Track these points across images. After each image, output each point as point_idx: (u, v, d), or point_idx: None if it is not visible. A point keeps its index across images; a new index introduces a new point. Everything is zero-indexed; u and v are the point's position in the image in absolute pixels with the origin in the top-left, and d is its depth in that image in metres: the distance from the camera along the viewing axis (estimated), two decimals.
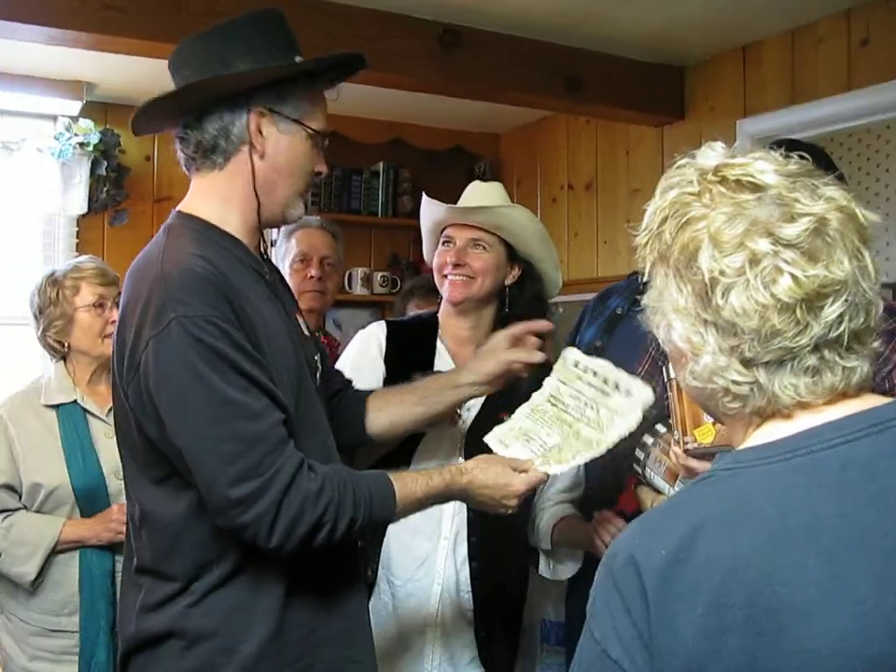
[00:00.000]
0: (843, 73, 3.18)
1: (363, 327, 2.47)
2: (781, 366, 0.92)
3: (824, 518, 0.85)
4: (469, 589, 2.25)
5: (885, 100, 3.05)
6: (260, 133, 1.59)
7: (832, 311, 0.90)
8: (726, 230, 0.92)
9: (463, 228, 2.29)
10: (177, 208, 1.67)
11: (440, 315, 2.39)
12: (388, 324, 2.39)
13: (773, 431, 0.94)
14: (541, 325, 1.96)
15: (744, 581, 0.83)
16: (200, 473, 1.46)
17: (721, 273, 0.92)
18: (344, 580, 1.68)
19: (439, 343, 2.35)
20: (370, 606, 1.86)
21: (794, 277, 0.89)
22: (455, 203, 2.35)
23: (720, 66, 3.66)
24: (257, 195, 1.62)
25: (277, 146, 1.61)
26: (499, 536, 2.24)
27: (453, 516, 2.22)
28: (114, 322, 2.59)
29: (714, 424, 1.77)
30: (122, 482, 2.48)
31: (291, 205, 1.68)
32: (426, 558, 2.22)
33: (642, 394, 1.83)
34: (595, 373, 1.89)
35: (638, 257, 1.05)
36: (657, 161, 3.94)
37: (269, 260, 1.75)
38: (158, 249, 1.57)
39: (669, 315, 0.98)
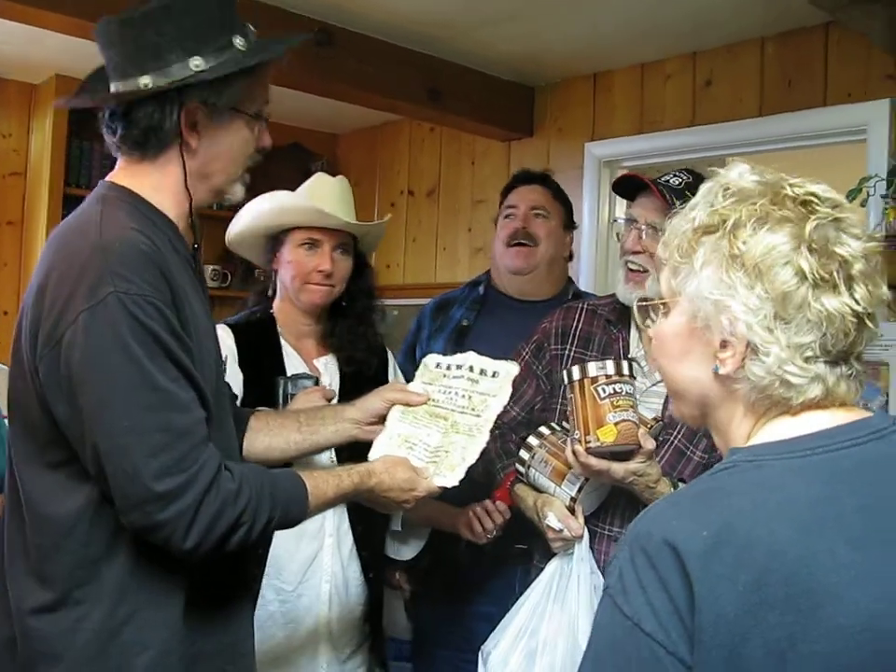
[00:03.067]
0: (688, 108, 3.45)
1: None
2: (835, 366, 1.03)
3: (847, 510, 0.96)
4: (360, 581, 2.29)
5: (725, 138, 3.34)
6: (194, 128, 1.52)
7: (873, 326, 1.04)
8: (816, 237, 1.01)
9: (333, 233, 2.31)
10: (108, 179, 1.57)
11: (276, 311, 2.39)
12: (231, 327, 2.33)
13: (782, 428, 1.04)
14: (419, 400, 1.95)
15: (783, 563, 0.91)
16: (118, 463, 1.36)
17: (817, 275, 1.00)
18: (233, 590, 1.63)
19: (282, 341, 2.36)
20: (257, 623, 1.85)
21: (868, 289, 1.02)
22: None
23: (570, 90, 3.86)
24: (188, 189, 1.56)
25: (213, 138, 1.54)
26: (379, 522, 2.33)
27: (333, 512, 2.24)
28: None
29: (616, 424, 1.88)
30: None
31: (229, 191, 1.62)
32: (314, 558, 2.24)
33: (509, 370, 1.91)
34: (459, 367, 1.96)
35: (678, 251, 1.10)
36: (503, 173, 4.08)
37: (198, 249, 1.67)
38: (93, 218, 1.46)
39: (735, 310, 1.03)
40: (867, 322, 1.03)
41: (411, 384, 1.98)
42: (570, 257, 3.01)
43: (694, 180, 2.13)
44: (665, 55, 3.49)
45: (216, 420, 1.54)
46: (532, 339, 2.34)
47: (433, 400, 1.92)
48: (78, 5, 2.73)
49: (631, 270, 2.14)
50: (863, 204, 2.57)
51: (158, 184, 1.54)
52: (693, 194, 2.09)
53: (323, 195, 2.31)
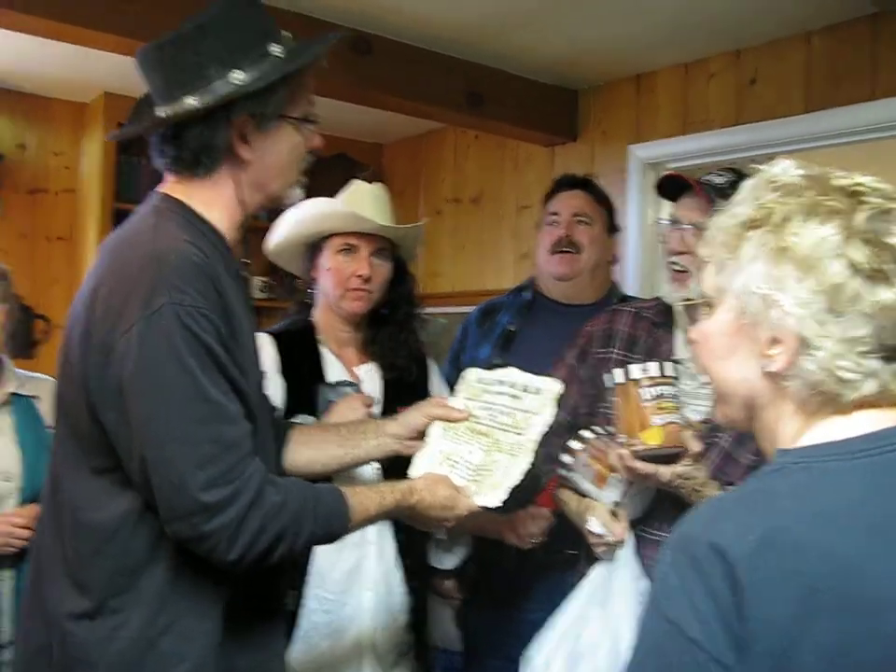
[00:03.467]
0: (732, 107, 3.38)
1: None
2: (891, 362, 1.00)
3: None
4: (403, 590, 2.28)
5: (770, 136, 3.26)
6: (245, 140, 1.53)
7: None
8: (870, 228, 0.99)
9: (371, 238, 2.30)
10: (160, 190, 1.59)
11: (317, 319, 2.38)
12: (272, 335, 2.33)
13: (832, 428, 1.01)
14: (461, 416, 1.92)
15: (834, 569, 0.89)
16: (165, 473, 1.37)
17: (876, 269, 0.98)
18: (269, 606, 1.63)
19: (323, 349, 2.35)
20: (301, 632, 1.83)
21: None
22: None
23: (614, 92, 3.81)
24: (240, 203, 1.57)
25: (264, 148, 1.54)
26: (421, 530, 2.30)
27: None
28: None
29: (662, 427, 1.85)
30: (9, 483, 2.38)
31: (286, 196, 1.65)
32: (357, 567, 2.22)
33: (552, 387, 1.87)
34: (500, 382, 1.92)
35: (723, 247, 1.09)
36: (547, 179, 4.04)
37: (246, 263, 1.68)
38: (148, 229, 1.48)
39: (785, 304, 1.01)
40: None
41: (452, 399, 1.95)
42: (614, 260, 3.00)
43: (738, 178, 2.09)
44: (708, 54, 3.43)
45: (259, 433, 1.54)
46: (576, 343, 2.32)
47: (475, 417, 1.89)
48: (125, 23, 2.77)
49: (675, 271, 2.11)
50: None
51: (210, 199, 1.56)
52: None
53: (359, 201, 2.31)
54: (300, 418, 2.17)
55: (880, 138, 3.08)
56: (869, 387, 0.99)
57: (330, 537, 1.55)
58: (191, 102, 1.49)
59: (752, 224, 1.04)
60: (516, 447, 1.81)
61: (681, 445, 1.86)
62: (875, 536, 0.91)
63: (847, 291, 0.98)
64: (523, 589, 2.61)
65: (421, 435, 1.91)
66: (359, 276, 2.27)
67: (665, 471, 1.88)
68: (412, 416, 1.93)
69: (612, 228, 2.93)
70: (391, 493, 1.66)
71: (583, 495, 2.08)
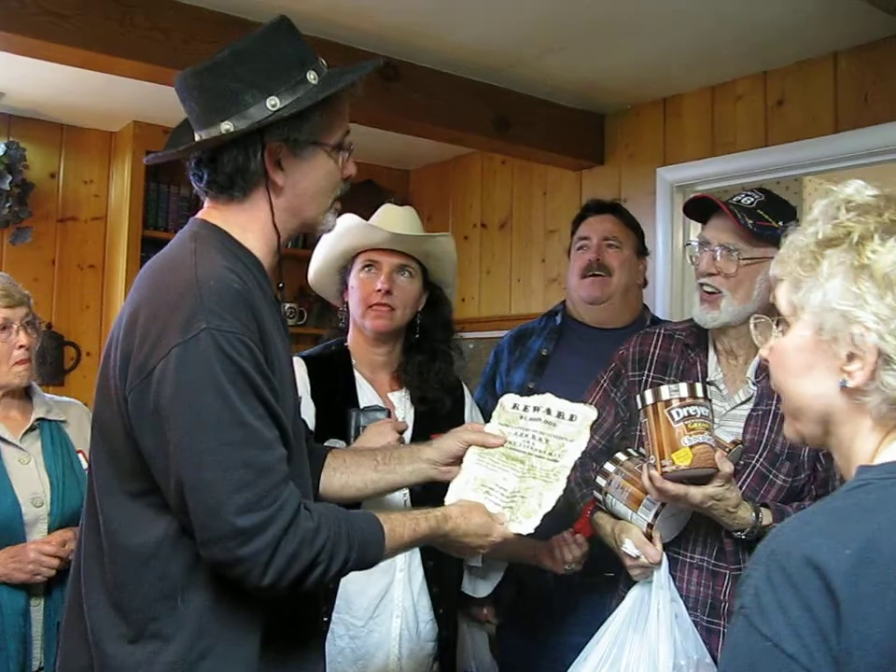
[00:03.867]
0: (760, 129, 3.37)
1: None
2: None
3: None
4: (431, 617, 2.26)
5: (798, 157, 3.25)
6: (279, 166, 1.55)
7: None
8: None
9: (392, 254, 2.31)
10: (198, 216, 1.61)
11: (350, 343, 2.39)
12: (305, 359, 2.34)
13: None
14: (496, 442, 1.92)
15: None
16: (201, 497, 1.38)
17: None
18: (306, 629, 1.63)
19: (356, 373, 2.35)
20: (328, 658, 1.82)
21: None
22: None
23: (640, 115, 3.82)
24: (276, 227, 1.59)
25: (298, 173, 1.56)
26: (451, 557, 2.28)
27: None
28: (22, 347, 2.47)
29: (692, 448, 1.84)
30: (39, 509, 2.39)
31: (321, 223, 1.65)
32: (385, 593, 2.21)
33: (587, 414, 1.89)
34: (536, 409, 1.93)
35: (799, 266, 1.11)
36: (575, 202, 4.05)
37: (282, 289, 1.71)
38: (187, 255, 1.49)
39: (864, 319, 1.03)
40: None
41: (488, 425, 1.96)
42: (645, 283, 3.01)
43: (767, 199, 2.09)
44: (734, 76, 3.43)
45: (294, 458, 1.55)
46: (610, 366, 2.32)
47: (510, 443, 1.90)
48: (152, 52, 2.82)
49: (706, 292, 2.10)
50: None
51: (246, 223, 1.58)
52: (766, 213, 2.04)
53: (384, 219, 2.33)
54: (330, 442, 2.18)
55: None
56: None
57: (365, 563, 1.54)
58: (227, 126, 1.52)
59: (830, 243, 1.08)
60: (551, 474, 1.82)
61: (712, 466, 1.85)
62: None
63: None
64: (559, 614, 2.60)
65: (457, 461, 1.91)
66: (378, 290, 2.27)
67: (695, 492, 1.87)
68: (448, 442, 1.93)
69: (642, 251, 2.96)
70: (425, 520, 1.66)
71: (618, 517, 2.07)
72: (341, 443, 2.21)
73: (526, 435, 1.89)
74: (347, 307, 2.38)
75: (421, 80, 3.37)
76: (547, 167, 4.15)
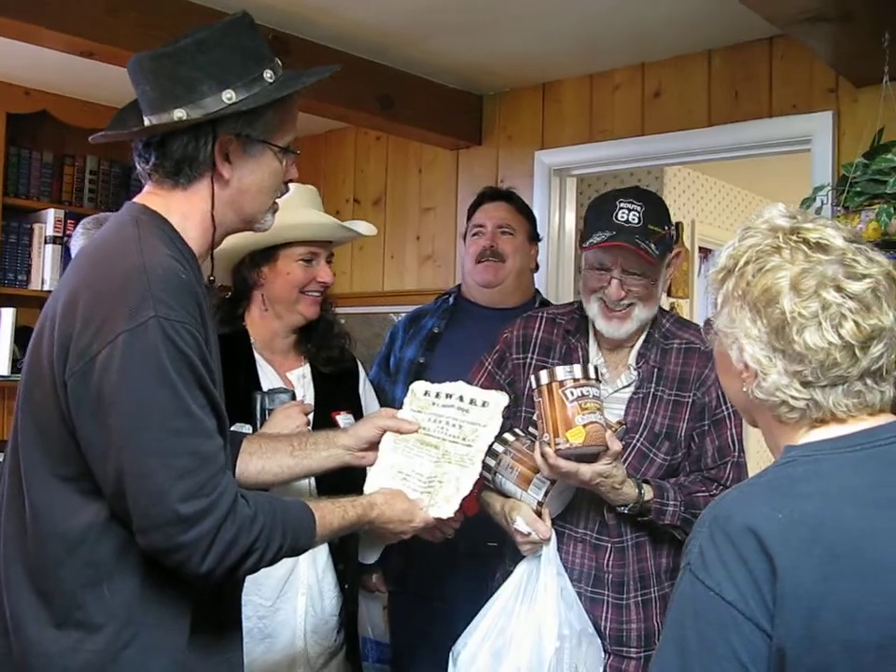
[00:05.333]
0: (637, 118, 3.52)
1: None
2: (834, 388, 1.17)
3: None
4: (336, 593, 2.30)
5: (673, 147, 3.43)
6: (227, 159, 1.56)
7: (877, 350, 1.17)
8: (804, 280, 1.17)
9: (326, 245, 2.33)
10: (138, 201, 1.59)
11: (251, 325, 2.36)
12: None
13: (831, 431, 1.19)
14: (410, 428, 1.97)
15: (849, 539, 1.07)
16: (144, 484, 1.37)
17: (800, 314, 1.16)
18: (228, 615, 1.64)
19: (256, 355, 2.34)
20: None
21: (857, 323, 1.15)
22: None
23: (519, 99, 3.91)
24: (213, 220, 1.59)
25: (244, 169, 1.57)
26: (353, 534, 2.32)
27: None
28: None
29: (585, 426, 1.92)
30: None
31: (260, 221, 1.67)
32: (290, 572, 2.23)
33: (499, 400, 1.96)
34: (448, 395, 1.98)
35: (711, 289, 1.28)
36: (451, 181, 4.12)
37: (213, 281, 1.70)
38: (131, 240, 1.48)
39: (741, 339, 1.22)
40: (862, 351, 1.15)
41: (400, 411, 1.99)
42: (536, 267, 3.14)
43: (646, 207, 2.13)
44: (613, 66, 3.56)
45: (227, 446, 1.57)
46: (494, 349, 2.37)
47: (424, 429, 1.94)
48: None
49: (614, 310, 2.15)
50: (818, 212, 2.66)
51: (187, 212, 1.58)
52: (653, 224, 2.15)
53: (307, 205, 2.32)
54: (237, 427, 2.16)
55: (776, 153, 3.27)
56: (816, 413, 1.18)
57: (297, 550, 1.58)
58: (180, 114, 1.52)
59: (726, 271, 1.25)
60: (466, 458, 1.88)
61: (603, 444, 1.94)
62: (881, 511, 1.09)
63: (785, 333, 1.17)
64: (446, 582, 2.68)
65: (372, 446, 1.95)
66: (321, 282, 2.30)
67: (585, 469, 1.95)
68: (362, 428, 1.97)
69: (534, 236, 3.08)
70: (353, 507, 1.71)
71: (507, 496, 2.13)
72: (247, 427, 2.20)
73: (440, 421, 1.94)
74: (256, 289, 2.35)
75: (309, 55, 3.33)
76: (422, 145, 4.19)
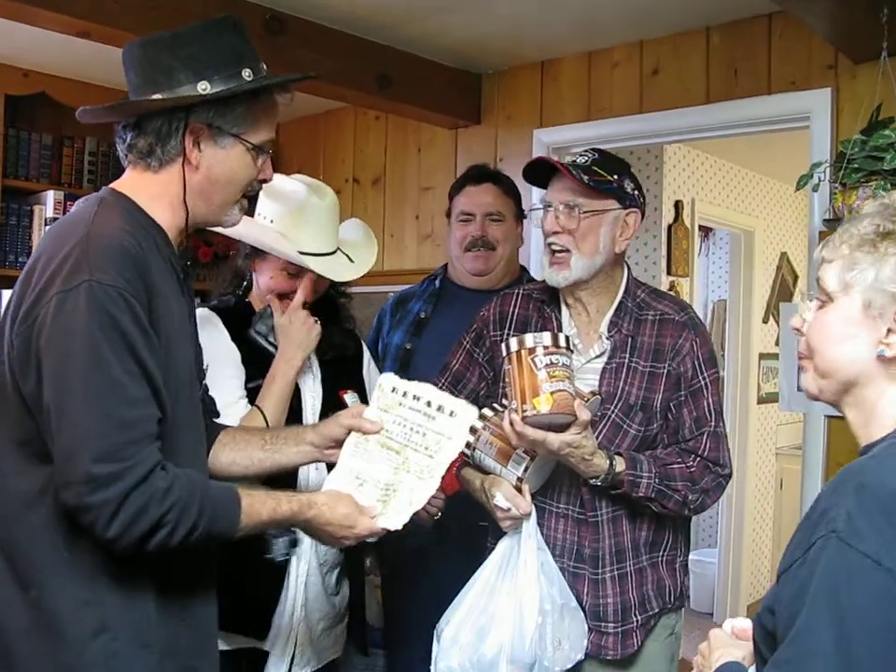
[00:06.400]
0: (635, 96, 3.51)
1: None
2: None
3: None
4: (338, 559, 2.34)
5: (671, 125, 3.42)
6: (198, 146, 1.63)
7: None
8: None
9: None
10: (111, 186, 1.68)
11: (253, 298, 2.39)
12: (216, 310, 2.34)
13: None
14: (373, 428, 1.91)
15: None
16: (63, 439, 1.44)
17: None
18: (198, 588, 1.67)
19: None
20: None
21: None
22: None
23: (518, 77, 3.90)
24: (186, 205, 1.66)
25: (214, 159, 1.64)
26: None
27: None
28: None
29: (552, 394, 1.91)
30: None
31: (226, 212, 1.72)
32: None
33: (467, 413, 1.91)
34: (416, 397, 1.92)
35: (856, 250, 1.29)
36: (450, 161, 4.12)
37: (187, 264, 1.75)
38: (87, 216, 1.56)
39: None
40: None
41: (367, 409, 1.94)
42: (521, 242, 3.11)
43: (600, 156, 2.20)
44: (611, 43, 3.55)
45: (180, 422, 1.60)
46: (472, 328, 2.38)
47: (387, 431, 1.89)
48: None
49: (554, 252, 2.18)
50: (815, 189, 2.66)
51: (156, 194, 1.65)
52: (601, 168, 2.20)
53: (311, 230, 2.30)
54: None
55: (775, 130, 3.26)
56: None
57: (216, 535, 1.56)
58: (157, 97, 1.62)
59: (888, 235, 1.26)
60: (425, 470, 1.83)
61: (571, 412, 1.93)
62: None
63: None
64: (439, 562, 2.68)
65: (338, 444, 1.92)
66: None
67: (553, 438, 1.95)
68: (328, 426, 1.95)
69: (520, 215, 3.03)
70: (287, 502, 1.68)
71: (487, 472, 2.14)
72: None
73: (404, 425, 1.89)
74: (252, 273, 2.38)
75: (306, 34, 3.33)
76: (421, 124, 4.18)
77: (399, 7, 3.26)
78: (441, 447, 1.85)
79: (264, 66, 1.69)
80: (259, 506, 1.62)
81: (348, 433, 1.91)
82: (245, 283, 2.41)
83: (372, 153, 4.51)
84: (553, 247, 2.17)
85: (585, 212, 2.14)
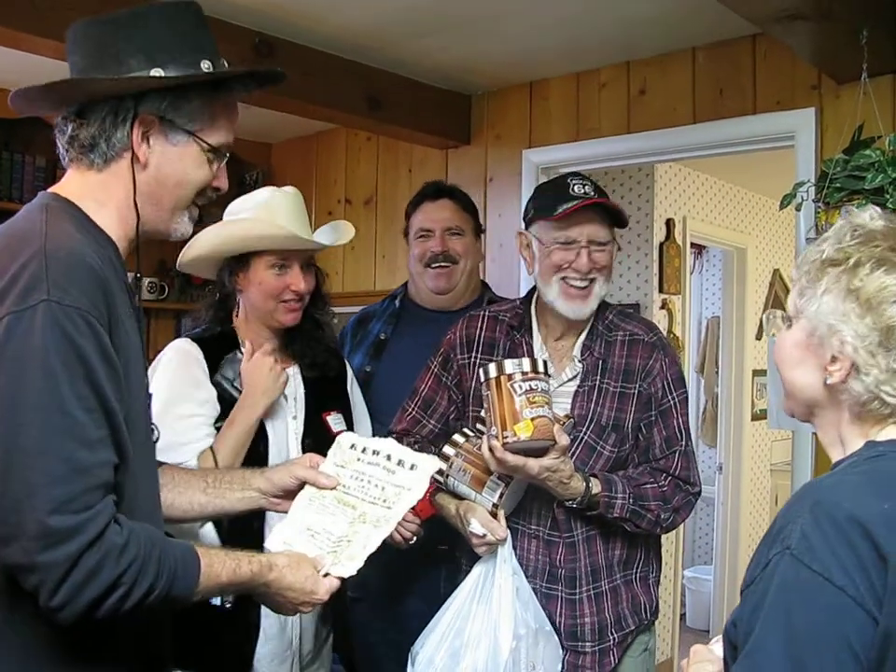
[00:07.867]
0: (623, 116, 3.54)
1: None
2: None
3: None
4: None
5: (658, 145, 3.45)
6: (147, 141, 1.44)
7: None
8: None
9: (301, 252, 2.29)
10: (50, 190, 1.48)
11: (238, 326, 2.36)
12: (196, 341, 2.30)
13: None
14: (328, 483, 1.80)
15: None
16: (13, 484, 1.22)
17: None
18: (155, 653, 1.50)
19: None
20: None
21: None
22: (224, 210, 2.34)
23: (507, 98, 3.93)
24: (136, 208, 1.47)
25: (164, 157, 1.46)
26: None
27: None
28: None
29: (533, 420, 1.92)
30: None
31: (175, 221, 1.52)
32: None
33: (428, 465, 1.82)
34: (375, 452, 1.85)
35: (806, 277, 1.31)
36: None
37: (139, 277, 1.57)
38: (37, 225, 1.35)
39: (845, 334, 1.24)
40: None
41: (323, 464, 1.84)
42: (482, 259, 3.09)
43: (595, 185, 2.20)
44: (599, 64, 3.58)
45: (138, 467, 1.41)
46: (439, 352, 2.39)
47: (343, 486, 1.79)
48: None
49: (578, 287, 2.16)
50: (798, 209, 2.68)
51: (102, 199, 1.46)
52: (603, 196, 2.16)
53: (285, 214, 2.27)
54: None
55: (760, 149, 3.29)
56: None
57: (171, 599, 1.35)
58: (102, 77, 1.42)
59: (832, 263, 1.27)
60: (382, 519, 1.73)
61: (551, 438, 1.94)
62: None
63: None
64: (402, 584, 2.66)
65: (287, 494, 1.81)
66: (294, 291, 2.27)
67: (533, 464, 1.96)
68: (279, 474, 1.83)
69: (479, 230, 2.99)
70: (248, 563, 1.50)
71: (461, 498, 2.13)
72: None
73: (362, 479, 1.80)
74: (238, 294, 2.35)
75: (295, 57, 3.36)
76: (412, 145, 4.21)
77: (388, 30, 3.29)
78: (401, 498, 1.77)
79: (225, 63, 1.51)
80: (218, 567, 1.44)
81: (300, 485, 1.80)
82: (226, 311, 2.37)
83: (364, 174, 4.53)
84: (578, 284, 2.16)
85: (610, 250, 2.18)
